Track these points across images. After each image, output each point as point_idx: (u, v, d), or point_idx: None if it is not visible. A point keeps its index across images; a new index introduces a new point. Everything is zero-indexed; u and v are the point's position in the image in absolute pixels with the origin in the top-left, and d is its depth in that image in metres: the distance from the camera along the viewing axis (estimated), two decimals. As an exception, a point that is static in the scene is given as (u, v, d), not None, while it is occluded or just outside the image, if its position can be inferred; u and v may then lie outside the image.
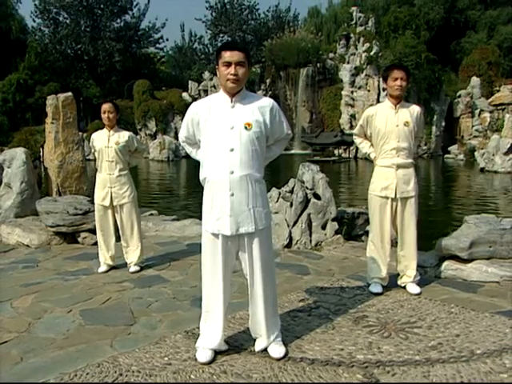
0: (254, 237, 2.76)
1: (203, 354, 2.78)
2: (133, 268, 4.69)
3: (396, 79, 3.77)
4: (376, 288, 3.89)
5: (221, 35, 40.28)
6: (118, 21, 36.68)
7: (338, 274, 4.48)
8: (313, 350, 2.89)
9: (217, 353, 2.83)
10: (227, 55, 2.68)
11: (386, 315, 3.42)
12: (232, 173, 2.68)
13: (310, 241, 5.46)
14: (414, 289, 3.86)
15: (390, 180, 3.83)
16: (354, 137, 4.25)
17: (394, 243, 4.09)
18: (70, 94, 6.96)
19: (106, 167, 4.68)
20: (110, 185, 4.67)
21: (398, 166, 3.82)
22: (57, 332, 3.26)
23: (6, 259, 5.29)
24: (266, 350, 2.86)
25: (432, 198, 12.59)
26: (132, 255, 4.75)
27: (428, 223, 8.07)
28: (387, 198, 3.85)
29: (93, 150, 4.86)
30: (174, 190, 15.07)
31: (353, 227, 5.88)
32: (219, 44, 40.82)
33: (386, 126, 3.81)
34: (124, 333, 3.23)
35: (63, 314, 3.60)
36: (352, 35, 29.12)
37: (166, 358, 2.83)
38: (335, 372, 2.63)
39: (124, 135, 4.77)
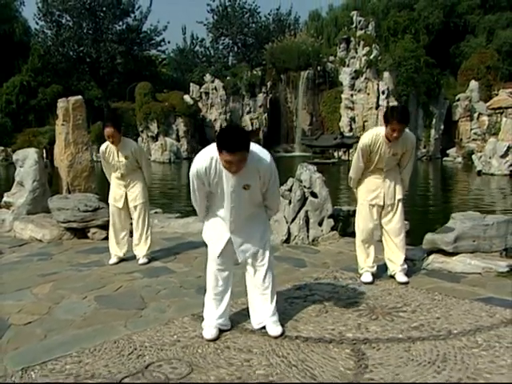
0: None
1: (209, 331, 3.12)
2: (142, 260, 5.02)
3: (394, 130, 3.96)
4: (367, 278, 4.21)
5: (222, 38, 40.66)
6: (120, 23, 37.04)
7: (333, 266, 4.79)
8: (307, 330, 3.22)
9: (221, 331, 3.17)
10: (228, 157, 2.77)
11: (375, 301, 3.74)
12: (233, 221, 3.12)
13: (308, 236, 5.78)
14: (402, 278, 4.18)
15: (378, 189, 4.22)
16: (351, 182, 4.40)
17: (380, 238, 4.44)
18: (79, 97, 7.29)
19: (119, 175, 5.02)
20: (124, 189, 5.04)
21: (385, 178, 4.24)
22: (75, 314, 3.59)
23: (21, 252, 5.62)
24: (264, 329, 3.19)
25: (429, 200, 12.92)
26: (141, 248, 5.08)
27: (422, 223, 8.39)
28: (375, 205, 4.24)
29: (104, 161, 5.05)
30: (176, 191, 15.40)
31: (348, 224, 6.17)
32: (220, 47, 41.20)
33: (379, 156, 4.14)
34: (136, 316, 3.56)
35: (79, 299, 3.93)
36: (352, 39, 29.47)
37: (175, 336, 3.16)
38: (326, 347, 2.96)
39: (131, 147, 4.95)
